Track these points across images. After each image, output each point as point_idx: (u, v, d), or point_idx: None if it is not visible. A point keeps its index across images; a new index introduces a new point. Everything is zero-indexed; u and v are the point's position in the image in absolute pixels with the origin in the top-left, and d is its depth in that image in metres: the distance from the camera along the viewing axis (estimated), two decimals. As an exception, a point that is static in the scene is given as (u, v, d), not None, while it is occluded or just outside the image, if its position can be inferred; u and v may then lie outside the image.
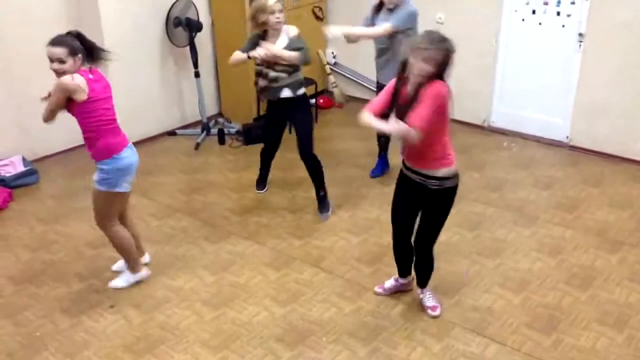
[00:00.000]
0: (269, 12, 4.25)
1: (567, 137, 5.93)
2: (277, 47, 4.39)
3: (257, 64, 4.55)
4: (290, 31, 4.46)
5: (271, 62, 4.43)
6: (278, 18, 4.29)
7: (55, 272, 4.22)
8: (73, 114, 3.60)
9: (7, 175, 5.32)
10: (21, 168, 5.44)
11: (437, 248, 4.32)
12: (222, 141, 6.24)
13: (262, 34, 4.43)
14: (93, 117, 3.58)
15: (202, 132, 6.33)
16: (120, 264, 4.12)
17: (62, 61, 3.47)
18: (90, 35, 5.64)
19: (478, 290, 3.95)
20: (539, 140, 6.09)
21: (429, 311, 3.72)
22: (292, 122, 4.91)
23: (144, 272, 4.06)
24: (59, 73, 3.50)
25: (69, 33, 3.59)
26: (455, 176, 3.43)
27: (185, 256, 4.38)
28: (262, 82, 4.56)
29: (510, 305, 3.81)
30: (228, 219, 4.84)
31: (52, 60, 3.49)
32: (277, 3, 4.28)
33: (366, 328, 3.63)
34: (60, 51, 3.48)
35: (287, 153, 5.30)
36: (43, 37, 5.46)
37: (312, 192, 5.06)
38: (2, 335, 3.63)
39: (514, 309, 3.77)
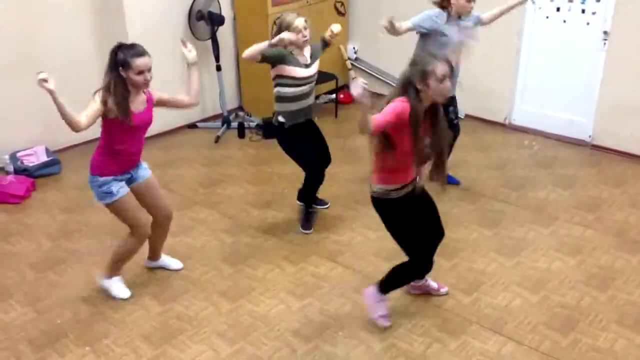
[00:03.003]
0: (297, 32, 4.08)
1: (590, 136, 5.86)
2: (308, 59, 4.30)
3: (288, 82, 4.23)
4: (307, 47, 4.35)
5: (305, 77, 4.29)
6: (305, 37, 4.14)
7: (76, 261, 4.28)
8: (148, 126, 3.69)
9: (31, 165, 5.40)
10: (44, 158, 5.52)
11: (456, 246, 4.34)
12: (242, 135, 6.27)
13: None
14: None
15: (223, 125, 6.37)
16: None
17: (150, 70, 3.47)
18: (113, 28, 5.82)
19: (496, 289, 3.93)
20: (560, 139, 6.03)
21: (441, 290, 3.84)
22: (312, 137, 4.57)
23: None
24: (147, 84, 3.48)
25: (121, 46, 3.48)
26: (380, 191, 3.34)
27: (203, 248, 4.42)
28: (300, 103, 4.33)
29: (528, 304, 3.79)
30: (247, 212, 4.87)
31: (145, 71, 3.43)
32: (303, 20, 4.14)
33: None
34: (150, 60, 3.46)
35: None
36: (68, 29, 5.63)
37: (330, 188, 5.09)
38: (24, 323, 3.69)
39: (532, 308, 3.75)
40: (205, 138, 6.27)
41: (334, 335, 3.55)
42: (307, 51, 4.32)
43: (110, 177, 3.58)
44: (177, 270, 4.15)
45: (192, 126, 6.54)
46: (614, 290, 3.91)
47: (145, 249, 4.02)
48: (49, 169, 5.48)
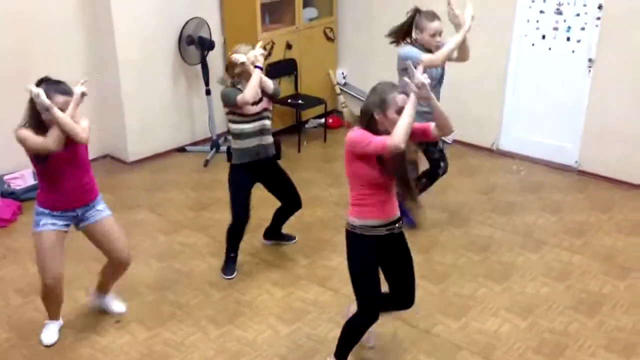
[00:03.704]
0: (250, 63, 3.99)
1: (576, 161, 5.92)
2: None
3: (241, 119, 4.11)
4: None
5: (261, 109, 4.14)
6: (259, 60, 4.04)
7: (62, 285, 4.23)
8: (82, 157, 3.49)
9: (18, 188, 5.37)
10: (31, 181, 5.48)
11: (445, 270, 4.34)
12: (230, 159, 6.24)
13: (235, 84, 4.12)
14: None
15: (212, 149, 6.37)
16: None
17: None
18: (104, 52, 5.85)
19: (485, 314, 3.93)
20: (547, 164, 6.08)
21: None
22: (270, 179, 4.41)
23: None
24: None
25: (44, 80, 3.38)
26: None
27: (192, 272, 4.39)
28: (247, 142, 4.16)
29: (517, 329, 3.79)
30: (235, 237, 4.85)
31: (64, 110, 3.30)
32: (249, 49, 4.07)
33: (371, 349, 3.61)
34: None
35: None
36: (58, 52, 5.64)
37: (318, 212, 5.09)
38: (8, 348, 3.64)
39: (521, 334, 3.75)
40: (194, 162, 6.27)
41: (323, 361, 3.53)
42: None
43: (47, 210, 3.47)
44: (118, 314, 3.93)
45: (181, 150, 6.54)
46: (602, 315, 3.92)
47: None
48: (34, 193, 5.41)
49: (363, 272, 3.18)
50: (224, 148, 6.36)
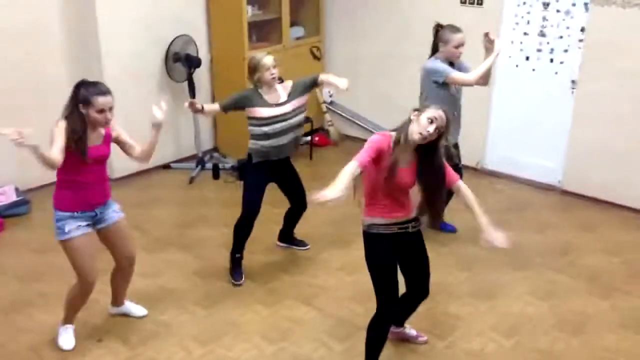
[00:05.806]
0: (264, 70, 4.22)
1: (559, 181, 5.97)
2: (282, 98, 4.34)
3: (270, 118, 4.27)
4: (286, 84, 4.42)
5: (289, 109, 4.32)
6: (273, 74, 4.25)
7: (44, 303, 4.18)
8: (105, 160, 3.58)
9: (0, 204, 5.31)
10: (13, 197, 5.43)
11: (431, 289, 4.32)
12: (216, 176, 6.26)
13: (255, 89, 4.33)
14: None
15: (197, 166, 6.36)
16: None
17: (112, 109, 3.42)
18: (90, 69, 5.83)
19: (470, 333, 3.93)
20: (531, 183, 6.13)
21: (419, 339, 3.80)
22: (285, 179, 4.58)
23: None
24: (107, 123, 3.44)
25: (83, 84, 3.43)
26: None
27: (176, 291, 4.35)
28: (271, 142, 4.30)
29: (502, 349, 3.79)
30: (221, 254, 4.82)
31: (107, 110, 3.37)
32: (271, 59, 4.26)
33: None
34: (112, 99, 3.41)
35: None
36: (43, 70, 5.62)
37: (304, 230, 5.08)
38: (-13, 367, 3.58)
39: (506, 353, 3.75)
40: (180, 179, 6.24)
41: (308, 381, 3.51)
42: (281, 89, 4.37)
43: (68, 213, 3.47)
44: (142, 317, 4.04)
45: (166, 167, 6.51)
46: (587, 335, 3.93)
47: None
48: (18, 209, 5.38)
49: (377, 268, 3.31)
50: (209, 165, 6.35)
